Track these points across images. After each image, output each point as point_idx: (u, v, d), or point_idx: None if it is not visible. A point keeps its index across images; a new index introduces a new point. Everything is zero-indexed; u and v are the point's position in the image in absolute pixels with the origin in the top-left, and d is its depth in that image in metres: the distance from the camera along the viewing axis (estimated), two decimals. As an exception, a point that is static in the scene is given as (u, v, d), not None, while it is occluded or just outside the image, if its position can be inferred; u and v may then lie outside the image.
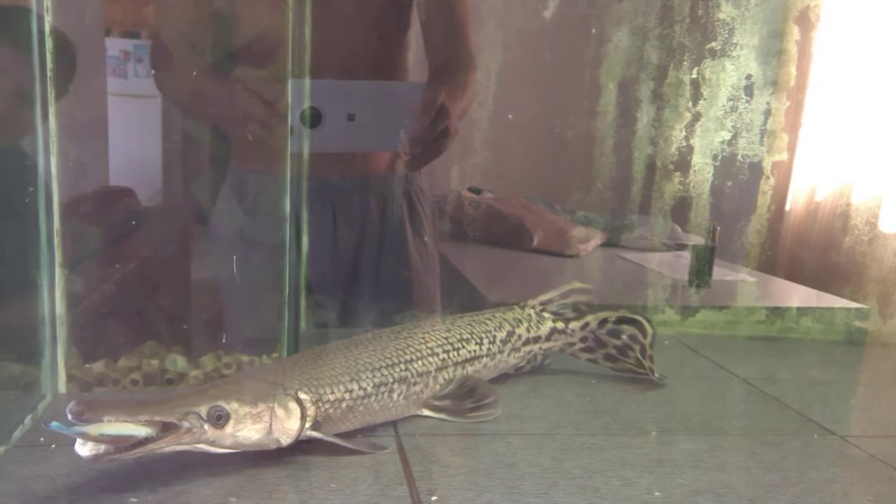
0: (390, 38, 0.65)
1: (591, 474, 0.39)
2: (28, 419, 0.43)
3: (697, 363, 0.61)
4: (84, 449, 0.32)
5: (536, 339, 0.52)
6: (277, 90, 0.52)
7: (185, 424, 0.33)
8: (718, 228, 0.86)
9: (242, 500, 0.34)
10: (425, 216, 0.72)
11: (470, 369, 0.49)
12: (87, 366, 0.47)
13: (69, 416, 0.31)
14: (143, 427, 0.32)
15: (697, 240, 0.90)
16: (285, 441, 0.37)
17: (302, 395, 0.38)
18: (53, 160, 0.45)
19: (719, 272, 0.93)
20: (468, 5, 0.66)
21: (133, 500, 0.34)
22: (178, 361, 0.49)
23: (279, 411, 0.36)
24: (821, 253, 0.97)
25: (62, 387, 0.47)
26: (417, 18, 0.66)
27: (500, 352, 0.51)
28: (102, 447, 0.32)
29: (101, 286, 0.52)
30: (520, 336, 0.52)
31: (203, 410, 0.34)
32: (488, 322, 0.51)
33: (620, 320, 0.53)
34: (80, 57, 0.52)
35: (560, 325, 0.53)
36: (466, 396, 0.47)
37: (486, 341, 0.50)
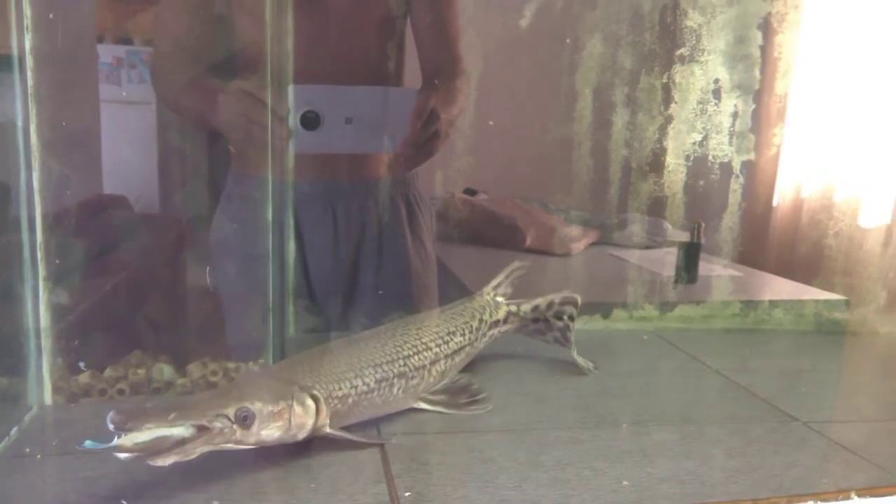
0: (383, 50, 0.68)
1: (564, 466, 0.41)
2: (14, 431, 0.43)
3: (674, 356, 0.64)
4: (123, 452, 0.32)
5: (497, 324, 0.56)
6: (274, 96, 0.54)
7: (217, 425, 0.35)
8: (703, 225, 0.89)
9: (225, 501, 0.36)
10: (423, 219, 0.75)
11: (457, 360, 0.51)
12: (73, 377, 0.48)
13: (110, 427, 0.32)
14: (174, 428, 0.33)
15: (686, 236, 0.92)
16: (301, 436, 0.39)
17: (316, 392, 0.40)
18: (35, 175, 0.46)
19: (708, 268, 0.96)
20: (458, 19, 0.70)
21: (123, 502, 0.35)
22: (165, 370, 0.50)
23: (297, 408, 0.38)
24: (794, 247, 1.00)
25: (48, 398, 0.48)
26: (411, 30, 0.69)
27: (476, 339, 0.54)
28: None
29: (89, 297, 0.53)
30: (485, 322, 0.55)
31: (231, 412, 0.35)
32: (464, 313, 0.54)
33: (565, 301, 0.57)
34: (69, 68, 0.53)
35: (514, 308, 0.57)
36: (460, 392, 0.49)
37: (466, 331, 0.52)
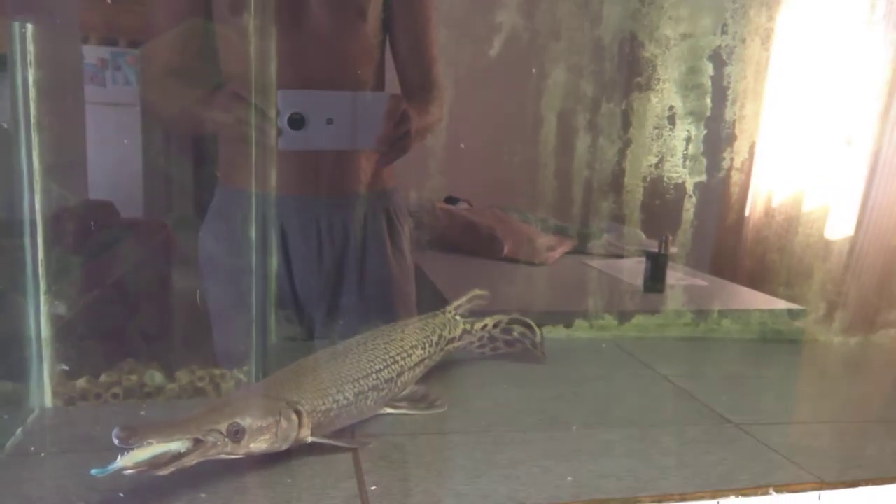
0: (363, 74, 0.73)
1: (516, 464, 0.45)
2: (19, 431, 0.47)
3: (628, 364, 0.69)
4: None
5: (453, 340, 0.62)
6: (262, 101, 0.59)
7: (210, 440, 0.38)
8: (671, 237, 0.95)
9: (212, 495, 0.40)
10: (403, 231, 0.80)
11: (418, 371, 0.56)
12: (70, 382, 0.52)
13: (116, 442, 0.35)
14: (172, 444, 0.37)
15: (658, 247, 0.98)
16: (286, 447, 0.42)
17: (300, 408, 0.44)
18: (37, 198, 0.50)
19: (677, 277, 1.02)
20: (434, 46, 0.76)
21: (121, 495, 0.39)
22: (156, 376, 0.54)
23: (283, 423, 0.42)
24: (742, 260, 1.07)
25: (48, 401, 0.52)
26: (391, 53, 0.75)
27: (435, 353, 0.59)
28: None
29: (82, 307, 0.57)
30: (444, 337, 0.60)
31: (223, 427, 0.39)
32: (426, 328, 0.59)
33: (512, 321, 0.66)
34: (65, 98, 0.57)
35: (468, 326, 0.64)
36: (420, 400, 0.54)
37: (427, 345, 0.57)
